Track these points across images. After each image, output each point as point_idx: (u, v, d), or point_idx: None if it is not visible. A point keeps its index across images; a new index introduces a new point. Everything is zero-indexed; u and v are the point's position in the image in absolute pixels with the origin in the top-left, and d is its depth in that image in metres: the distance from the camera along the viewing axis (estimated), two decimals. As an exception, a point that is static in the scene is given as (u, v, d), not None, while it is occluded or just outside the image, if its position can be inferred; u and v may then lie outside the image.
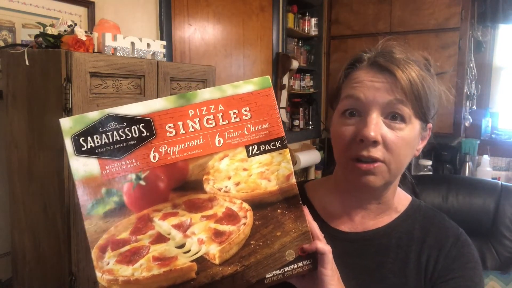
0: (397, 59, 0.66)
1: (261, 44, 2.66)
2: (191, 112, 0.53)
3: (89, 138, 0.50)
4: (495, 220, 1.52)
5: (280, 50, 2.78)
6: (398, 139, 0.63)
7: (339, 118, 0.68)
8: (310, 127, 3.26)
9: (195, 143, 0.53)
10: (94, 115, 0.51)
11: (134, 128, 0.51)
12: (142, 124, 0.51)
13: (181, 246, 0.52)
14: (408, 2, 2.93)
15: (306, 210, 0.57)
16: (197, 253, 0.52)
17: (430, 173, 2.97)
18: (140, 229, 0.52)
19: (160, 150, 0.52)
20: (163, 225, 0.52)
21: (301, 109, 3.09)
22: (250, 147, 0.54)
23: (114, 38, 1.32)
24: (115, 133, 0.51)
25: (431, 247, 0.69)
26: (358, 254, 0.68)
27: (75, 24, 1.28)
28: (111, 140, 0.51)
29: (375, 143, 0.62)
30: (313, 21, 3.17)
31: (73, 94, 1.12)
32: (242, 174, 0.54)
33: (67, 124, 0.50)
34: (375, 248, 0.70)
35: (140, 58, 1.37)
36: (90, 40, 1.24)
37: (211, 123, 0.53)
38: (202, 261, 0.52)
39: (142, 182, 0.52)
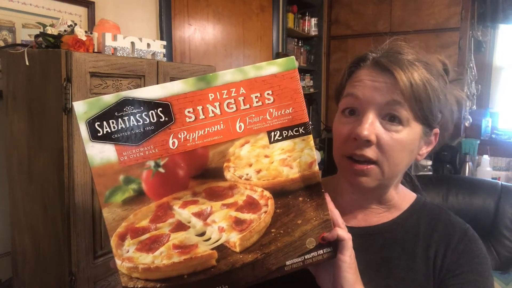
0: (401, 60, 0.65)
1: (261, 44, 2.66)
2: (211, 95, 0.50)
3: (104, 123, 0.48)
4: (495, 220, 1.52)
5: (280, 50, 2.78)
6: (394, 141, 0.63)
7: (339, 116, 0.69)
8: (311, 127, 3.26)
9: (215, 129, 0.51)
10: (109, 99, 0.49)
11: (152, 113, 0.49)
12: (160, 109, 0.49)
13: (202, 234, 0.51)
14: (408, 2, 2.93)
15: (328, 198, 0.57)
16: (217, 241, 0.51)
17: (430, 173, 2.97)
18: (160, 217, 0.51)
19: (179, 136, 0.50)
20: (183, 213, 0.51)
21: (301, 109, 3.09)
22: (272, 133, 0.52)
23: (114, 38, 1.32)
24: (132, 117, 0.49)
25: (438, 242, 0.69)
26: (363, 249, 0.67)
27: (75, 24, 1.28)
28: (128, 125, 0.49)
29: (368, 142, 0.62)
30: (313, 21, 3.17)
31: (73, 94, 1.12)
32: (264, 161, 0.52)
33: (81, 108, 0.48)
34: (380, 243, 0.70)
35: (140, 58, 1.37)
36: (90, 40, 1.25)
37: (232, 108, 0.51)
38: (222, 249, 0.51)
39: (161, 170, 0.50)
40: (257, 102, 0.51)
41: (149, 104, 0.49)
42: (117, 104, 0.49)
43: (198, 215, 0.52)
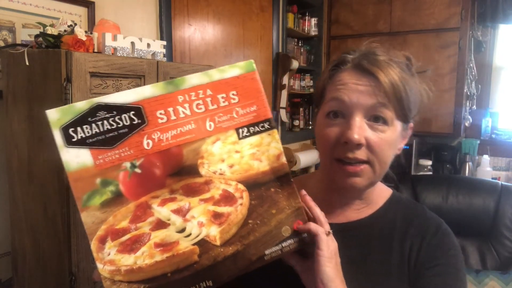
0: (380, 61, 0.67)
1: (261, 44, 2.66)
2: (181, 98, 0.53)
3: (78, 128, 0.49)
4: (495, 220, 1.52)
5: (280, 50, 2.78)
6: (381, 140, 0.65)
7: (323, 119, 0.70)
8: (310, 127, 3.26)
9: (187, 128, 0.53)
10: (82, 105, 0.50)
11: (125, 116, 0.51)
12: (133, 112, 0.51)
13: (182, 230, 0.52)
14: (408, 2, 2.93)
15: (307, 196, 0.60)
16: (198, 236, 0.52)
17: (430, 173, 2.97)
18: (140, 216, 0.51)
19: (153, 137, 0.51)
20: (162, 211, 0.52)
21: (301, 109, 3.09)
22: (240, 130, 0.55)
23: (114, 38, 1.32)
24: (105, 122, 0.50)
25: (413, 236, 0.71)
26: (344, 245, 0.68)
27: (75, 24, 1.28)
28: (102, 130, 0.50)
29: (359, 145, 0.64)
30: (313, 21, 3.17)
31: (73, 94, 1.12)
32: (235, 156, 0.54)
33: (54, 115, 0.49)
34: (359, 238, 0.72)
35: (140, 58, 1.37)
36: (90, 40, 1.24)
37: (201, 108, 0.54)
38: (203, 244, 0.52)
39: (138, 170, 0.51)
40: (223, 102, 0.54)
41: (122, 108, 0.51)
42: (90, 110, 0.50)
43: (177, 211, 0.52)
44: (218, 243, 0.52)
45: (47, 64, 1.15)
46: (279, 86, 2.76)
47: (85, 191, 0.50)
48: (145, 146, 0.51)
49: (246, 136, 0.55)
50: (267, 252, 0.55)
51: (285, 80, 2.78)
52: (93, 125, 0.50)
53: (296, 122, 3.08)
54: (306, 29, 3.13)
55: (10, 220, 1.35)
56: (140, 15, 1.84)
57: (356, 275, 0.67)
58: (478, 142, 3.02)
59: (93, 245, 0.50)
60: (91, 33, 1.33)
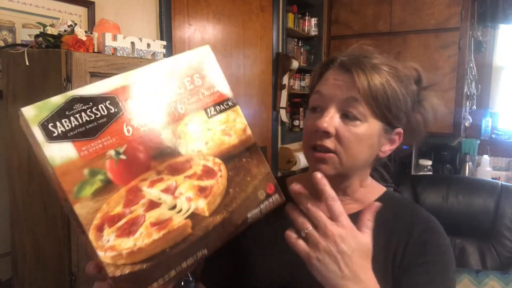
0: (364, 62, 0.70)
1: (261, 44, 2.66)
2: None
3: (57, 123, 0.49)
4: (495, 220, 1.52)
5: (280, 50, 2.78)
6: (351, 134, 0.69)
7: (308, 112, 0.76)
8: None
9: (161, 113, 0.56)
10: (57, 99, 0.50)
11: (101, 107, 0.52)
12: (108, 102, 0.53)
13: (173, 207, 0.55)
14: (408, 2, 2.93)
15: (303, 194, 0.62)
16: (188, 210, 0.55)
17: (430, 173, 2.97)
18: (132, 200, 0.53)
19: (132, 123, 0.54)
20: (152, 192, 0.54)
21: (301, 109, 3.09)
22: (208, 110, 0.59)
23: (114, 38, 1.32)
24: (83, 114, 0.51)
25: (401, 232, 0.73)
26: None
27: (75, 24, 1.28)
28: (81, 122, 0.51)
29: (327, 134, 0.68)
30: (313, 21, 3.17)
31: (73, 94, 1.12)
32: (208, 134, 0.58)
33: (31, 112, 0.48)
34: None
35: (140, 58, 1.37)
36: (90, 40, 1.24)
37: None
38: (194, 217, 0.55)
39: (123, 156, 0.52)
40: (189, 85, 0.58)
41: (97, 99, 0.52)
42: (66, 104, 0.50)
43: (166, 190, 0.55)
44: (207, 214, 0.56)
45: (47, 64, 1.15)
46: (279, 86, 2.76)
47: (75, 183, 0.50)
48: (126, 133, 0.53)
49: (214, 115, 0.59)
50: (249, 215, 0.60)
51: (285, 80, 2.78)
52: (72, 118, 0.50)
53: (296, 122, 3.08)
54: (306, 29, 3.13)
55: (10, 220, 1.35)
56: (140, 15, 1.84)
57: None
58: (478, 142, 3.02)
59: (91, 234, 0.50)
60: (91, 33, 1.33)
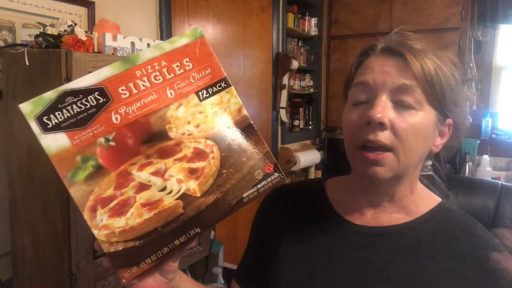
0: (411, 46, 0.64)
1: (261, 44, 2.66)
2: (138, 72, 0.58)
3: (51, 116, 0.55)
4: (495, 220, 1.51)
5: (280, 50, 2.78)
6: (408, 124, 0.60)
7: (349, 107, 0.66)
8: (310, 127, 3.26)
9: (150, 99, 0.57)
10: (50, 94, 0.56)
11: (91, 98, 0.56)
12: (97, 93, 0.56)
13: (163, 189, 0.57)
14: (408, 2, 2.93)
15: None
16: (179, 191, 0.57)
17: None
18: (122, 183, 0.56)
19: (120, 111, 0.56)
20: (142, 175, 0.56)
21: (301, 109, 3.09)
22: (200, 93, 0.59)
23: (114, 38, 1.32)
24: (74, 106, 0.55)
25: (459, 256, 0.64)
26: (366, 249, 0.65)
27: (75, 24, 1.27)
28: (72, 113, 0.55)
29: (382, 125, 0.59)
30: (313, 21, 3.17)
31: (73, 94, 1.12)
32: (200, 117, 0.59)
33: (27, 108, 0.54)
34: (386, 245, 0.66)
35: (140, 58, 1.37)
36: (90, 40, 1.24)
37: (159, 79, 0.58)
38: (185, 197, 0.57)
39: (112, 143, 0.56)
40: (179, 70, 0.59)
41: (87, 91, 0.56)
42: (58, 98, 0.56)
43: (156, 173, 0.57)
44: (198, 194, 0.57)
45: (47, 64, 1.15)
46: (279, 86, 2.76)
47: (69, 169, 0.54)
48: (114, 121, 0.56)
49: (206, 98, 0.59)
50: (244, 195, 0.60)
51: (285, 80, 2.78)
52: (64, 110, 0.55)
53: (296, 122, 3.08)
54: (306, 29, 3.13)
55: (10, 220, 1.35)
56: (140, 15, 1.84)
57: (373, 283, 0.63)
58: (478, 142, 3.02)
59: (86, 215, 0.54)
60: (91, 33, 1.33)
